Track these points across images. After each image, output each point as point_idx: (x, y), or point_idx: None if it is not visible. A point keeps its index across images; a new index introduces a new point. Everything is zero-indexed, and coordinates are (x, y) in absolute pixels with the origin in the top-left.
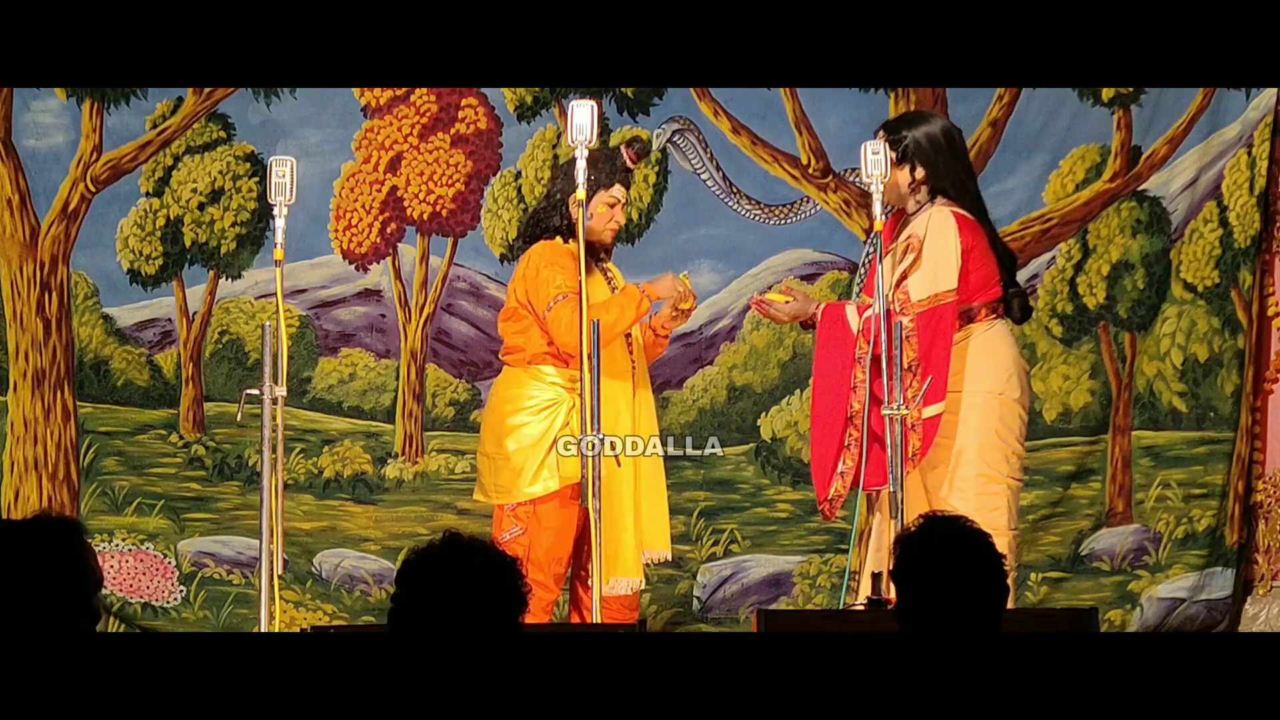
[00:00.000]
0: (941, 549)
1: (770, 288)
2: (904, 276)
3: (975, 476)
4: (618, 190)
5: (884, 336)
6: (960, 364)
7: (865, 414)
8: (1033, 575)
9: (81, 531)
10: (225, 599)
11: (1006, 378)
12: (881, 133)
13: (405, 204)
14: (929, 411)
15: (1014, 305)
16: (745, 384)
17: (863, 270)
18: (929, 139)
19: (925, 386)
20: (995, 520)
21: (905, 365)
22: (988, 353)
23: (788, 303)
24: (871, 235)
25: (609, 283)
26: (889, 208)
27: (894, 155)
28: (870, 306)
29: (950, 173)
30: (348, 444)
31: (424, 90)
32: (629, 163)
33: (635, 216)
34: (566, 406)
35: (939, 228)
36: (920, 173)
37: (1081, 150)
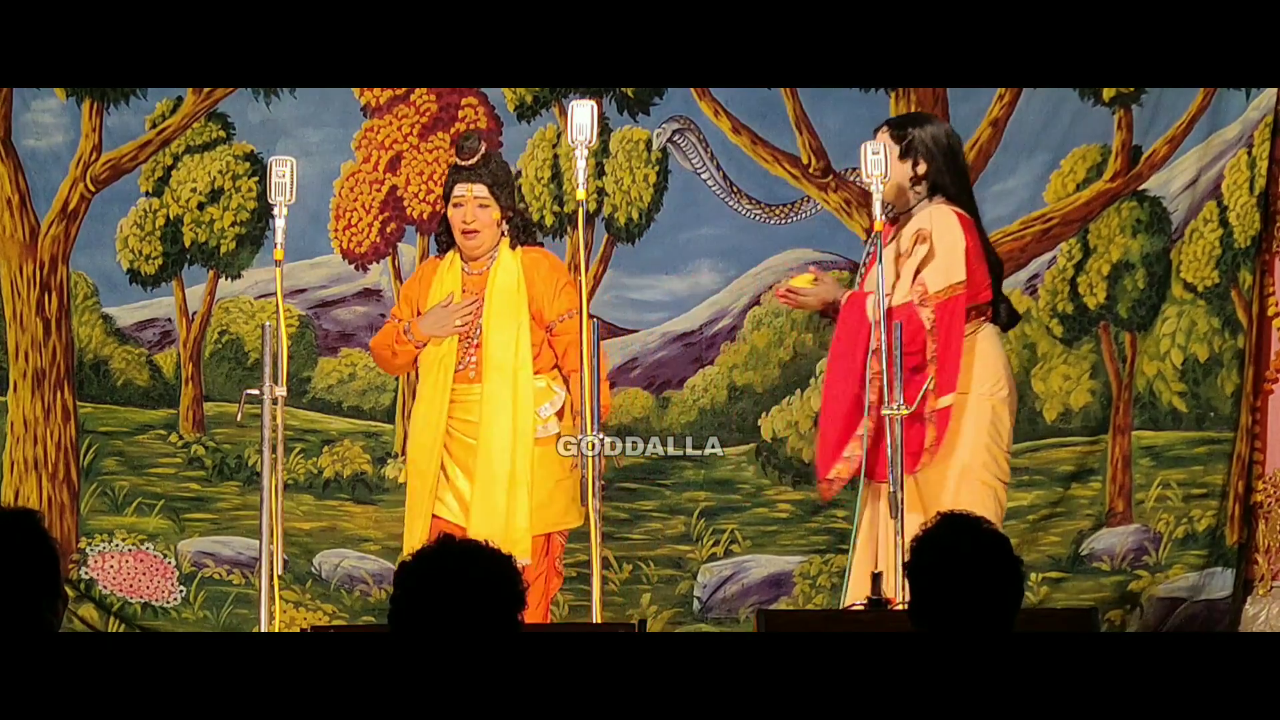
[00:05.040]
0: (960, 550)
1: (770, 287)
2: (919, 269)
3: (965, 477)
4: (459, 189)
5: (884, 336)
6: None
7: (867, 406)
8: (1033, 575)
9: (41, 521)
10: (225, 599)
11: (995, 380)
12: (885, 129)
13: (405, 203)
14: (943, 402)
15: (1001, 311)
16: (746, 384)
17: (862, 270)
18: (933, 138)
19: (927, 386)
20: None
21: (928, 357)
22: (978, 355)
23: (815, 283)
24: (872, 235)
25: (473, 276)
26: (889, 207)
27: (896, 150)
28: (890, 297)
29: (951, 172)
30: (347, 444)
31: (424, 90)
32: (459, 161)
33: (635, 216)
34: None
35: (944, 222)
36: (922, 168)
37: (1082, 150)
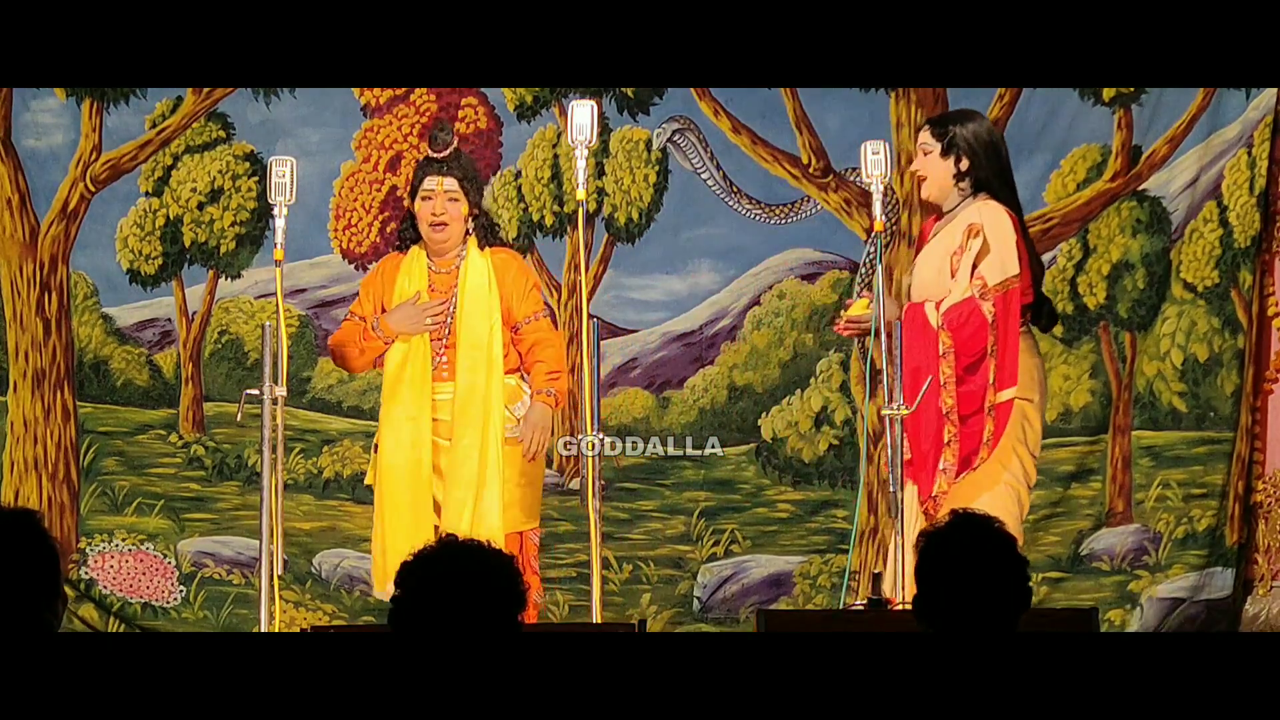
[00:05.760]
0: (965, 549)
1: (771, 286)
2: (976, 263)
3: (991, 480)
4: (429, 181)
5: (883, 336)
6: None
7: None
8: (1033, 575)
9: (41, 521)
10: (225, 599)
11: (1028, 383)
12: (926, 127)
13: (405, 203)
14: (1003, 396)
15: (1043, 313)
16: (746, 384)
17: (864, 270)
18: (974, 134)
19: (925, 388)
20: (1007, 524)
21: (989, 350)
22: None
23: (871, 307)
24: (872, 235)
25: (440, 274)
26: (891, 206)
27: (938, 147)
28: (949, 296)
29: (994, 169)
30: (347, 444)
31: (424, 90)
32: (432, 154)
33: (635, 216)
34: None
35: (995, 217)
36: (965, 164)
37: (1082, 150)
